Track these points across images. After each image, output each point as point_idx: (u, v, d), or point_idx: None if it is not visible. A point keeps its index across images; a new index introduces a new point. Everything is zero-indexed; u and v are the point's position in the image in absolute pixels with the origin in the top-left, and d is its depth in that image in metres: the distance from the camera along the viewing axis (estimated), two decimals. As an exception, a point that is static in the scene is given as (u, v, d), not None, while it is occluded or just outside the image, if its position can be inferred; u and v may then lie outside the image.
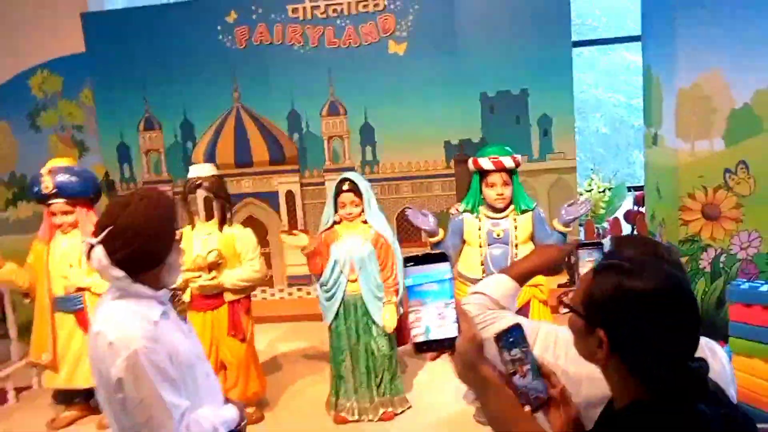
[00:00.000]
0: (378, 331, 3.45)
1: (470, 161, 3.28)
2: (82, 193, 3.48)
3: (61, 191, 3.41)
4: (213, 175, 3.47)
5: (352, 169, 5.12)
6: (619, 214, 6.09)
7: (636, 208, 5.87)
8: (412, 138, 4.93)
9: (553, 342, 1.41)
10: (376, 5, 4.82)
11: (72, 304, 3.51)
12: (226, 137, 5.19)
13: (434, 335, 1.20)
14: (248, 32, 4.98)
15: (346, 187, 3.39)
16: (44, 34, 5.23)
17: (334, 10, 4.88)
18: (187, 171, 5.16)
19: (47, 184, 3.39)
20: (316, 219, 5.09)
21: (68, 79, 5.30)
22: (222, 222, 3.46)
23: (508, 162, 3.16)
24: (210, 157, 5.22)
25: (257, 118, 5.13)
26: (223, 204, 3.46)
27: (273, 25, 4.95)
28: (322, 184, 5.13)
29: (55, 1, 5.22)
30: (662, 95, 4.72)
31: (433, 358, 1.26)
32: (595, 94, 9.48)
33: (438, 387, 3.77)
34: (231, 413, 1.82)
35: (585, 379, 1.30)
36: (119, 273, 1.64)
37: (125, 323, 1.64)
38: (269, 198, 5.22)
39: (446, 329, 1.20)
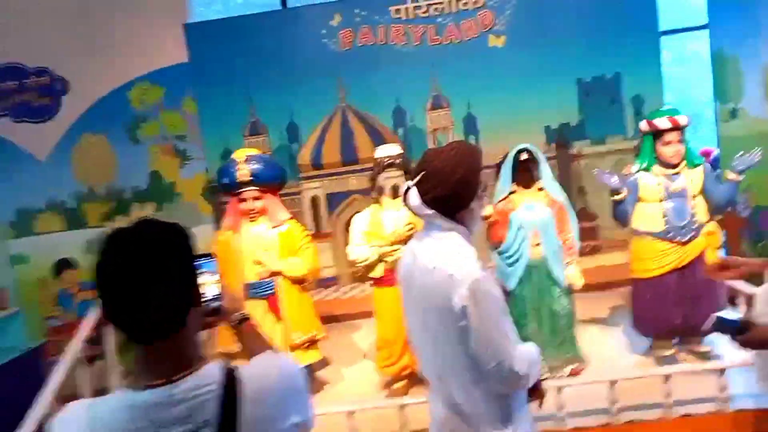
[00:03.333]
0: (559, 292, 3.66)
1: (643, 123, 3.58)
2: (273, 181, 3.60)
3: (255, 178, 3.51)
4: (401, 154, 3.65)
5: (456, 159, 5.36)
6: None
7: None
8: (514, 125, 5.18)
9: None
10: (475, 2, 5.13)
11: (264, 290, 3.59)
12: (332, 137, 5.35)
13: None
14: (352, 34, 5.19)
15: (525, 156, 3.63)
16: (144, 47, 5.32)
17: (436, 9, 5.15)
18: (294, 171, 5.34)
19: (244, 172, 3.49)
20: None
21: (169, 89, 5.37)
22: (411, 198, 3.63)
23: (683, 120, 3.48)
24: (317, 157, 5.37)
25: (363, 117, 5.32)
26: (411, 181, 3.63)
27: (376, 27, 5.18)
28: (428, 175, 5.33)
29: (154, 14, 5.32)
30: (742, 72, 5.19)
31: None
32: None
33: (601, 343, 4.03)
34: (536, 350, 1.92)
35: None
36: (429, 211, 1.83)
37: (460, 257, 1.80)
38: (374, 193, 5.37)
39: None
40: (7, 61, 5.36)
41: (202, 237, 3.69)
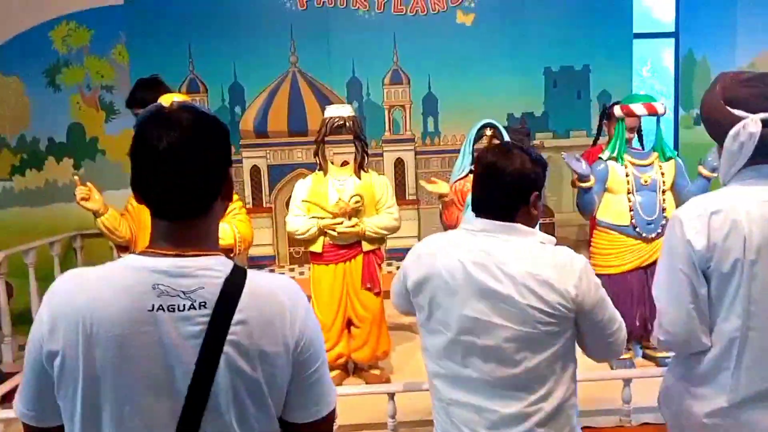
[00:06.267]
0: (514, 284, 3.35)
1: (617, 108, 3.31)
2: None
3: (182, 128, 3.03)
4: (353, 117, 3.25)
5: (412, 140, 5.01)
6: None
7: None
8: (475, 110, 4.81)
9: None
10: (446, -27, 4.79)
11: (184, 257, 3.12)
12: (279, 103, 4.89)
13: None
14: (310, -8, 4.76)
15: (489, 132, 3.30)
16: (73, -19, 4.71)
17: (403, -24, 4.78)
18: (235, 137, 4.86)
19: (169, 119, 3.00)
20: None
21: (99, 32, 4.77)
22: (360, 167, 3.24)
23: (660, 108, 3.23)
24: (261, 124, 4.90)
25: (314, 84, 4.89)
26: (364, 147, 3.25)
27: (337, -13, 4.76)
28: (381, 155, 4.95)
29: (88, -54, 4.72)
30: (710, 78, 5.05)
31: None
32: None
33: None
34: None
35: None
36: None
37: None
38: (322, 169, 4.95)
39: None
40: None
41: (126, 203, 3.19)
